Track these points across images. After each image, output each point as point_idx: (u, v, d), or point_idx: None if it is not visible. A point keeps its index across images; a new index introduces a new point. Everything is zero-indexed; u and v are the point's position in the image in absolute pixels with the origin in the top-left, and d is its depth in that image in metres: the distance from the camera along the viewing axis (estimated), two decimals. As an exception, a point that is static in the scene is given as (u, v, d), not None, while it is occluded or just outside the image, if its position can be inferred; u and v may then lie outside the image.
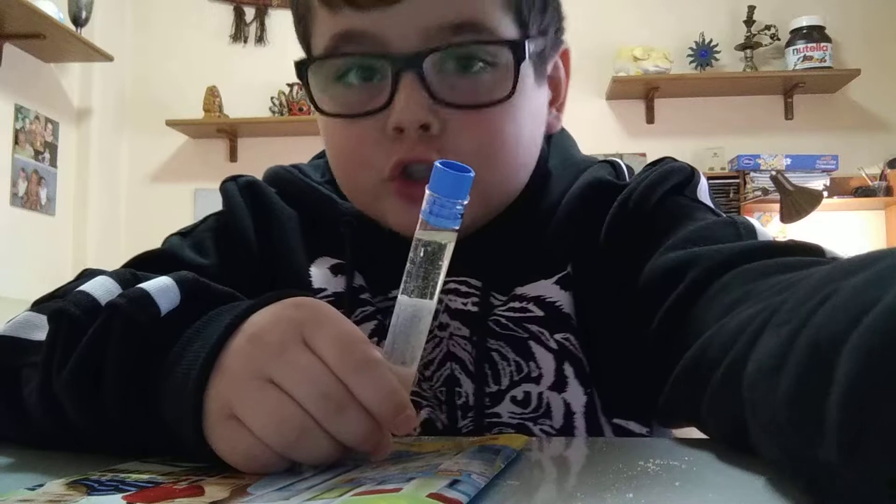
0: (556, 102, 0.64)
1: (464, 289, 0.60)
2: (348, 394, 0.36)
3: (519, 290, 0.60)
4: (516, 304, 0.60)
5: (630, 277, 0.57)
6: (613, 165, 0.65)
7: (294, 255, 0.65)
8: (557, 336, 0.59)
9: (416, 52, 0.52)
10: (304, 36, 0.61)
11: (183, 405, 0.39)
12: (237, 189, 0.67)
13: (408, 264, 0.41)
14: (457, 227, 0.41)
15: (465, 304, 0.60)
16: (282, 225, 0.66)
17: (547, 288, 0.60)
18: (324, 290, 0.63)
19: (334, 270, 0.63)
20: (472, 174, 0.41)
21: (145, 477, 0.37)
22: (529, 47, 0.56)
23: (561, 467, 0.44)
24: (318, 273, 0.64)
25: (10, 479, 0.41)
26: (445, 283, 0.51)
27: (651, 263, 0.55)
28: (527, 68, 0.56)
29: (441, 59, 0.53)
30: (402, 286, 0.41)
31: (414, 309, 0.41)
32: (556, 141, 0.68)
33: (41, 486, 0.35)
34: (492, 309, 0.60)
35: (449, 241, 0.41)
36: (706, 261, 0.50)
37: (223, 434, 0.38)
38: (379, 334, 0.60)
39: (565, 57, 0.64)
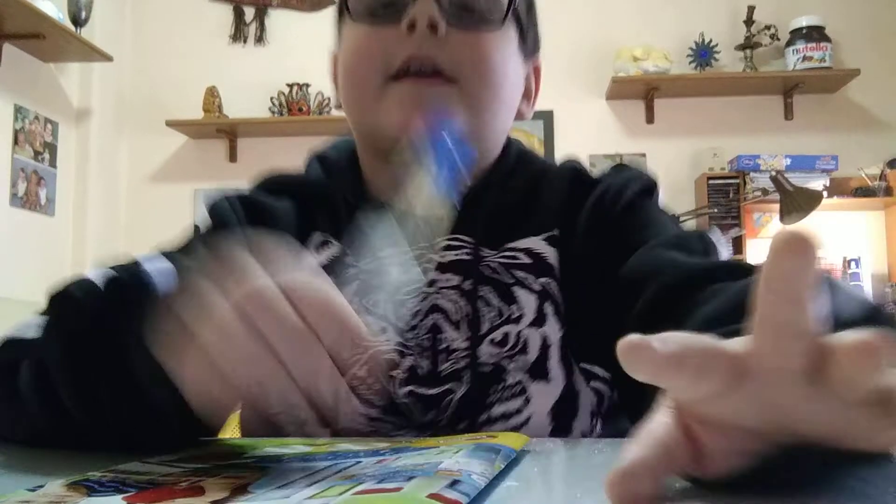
0: (528, 100, 0.75)
1: (456, 243, 0.67)
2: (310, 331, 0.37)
3: (510, 245, 0.68)
4: (507, 254, 0.67)
5: (611, 260, 0.63)
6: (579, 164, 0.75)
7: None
8: (541, 280, 0.66)
9: None
10: None
11: (149, 323, 0.39)
12: (227, 205, 0.71)
13: None
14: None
15: (457, 255, 0.67)
16: (277, 222, 0.68)
17: (535, 242, 0.68)
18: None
19: (319, 247, 0.69)
20: None
21: (145, 478, 0.37)
22: (518, 3, 0.67)
23: (560, 468, 0.44)
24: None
25: (10, 479, 0.41)
26: (438, 242, 0.66)
27: (640, 255, 0.61)
28: (512, 33, 0.68)
29: None
30: None
31: None
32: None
33: (41, 486, 0.35)
34: (483, 258, 0.67)
35: None
36: (688, 271, 0.56)
37: (184, 361, 0.38)
38: (361, 294, 0.64)
39: (537, 72, 0.76)
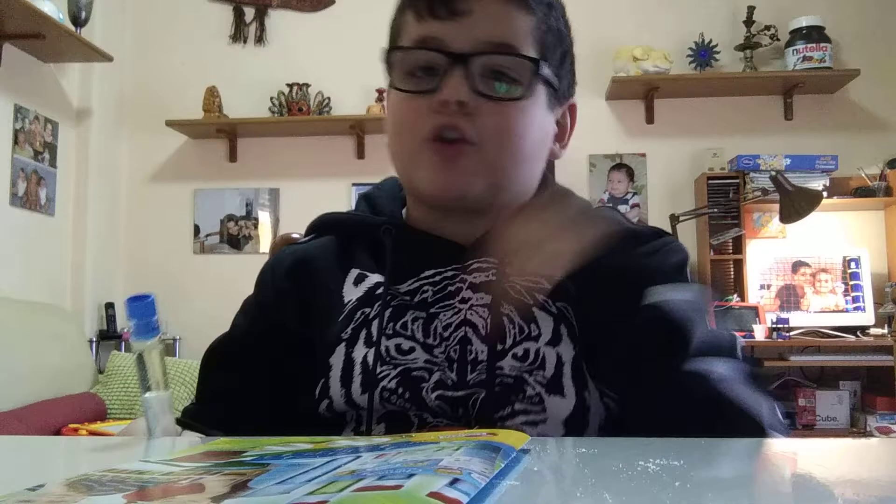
0: (561, 141, 0.81)
1: (485, 266, 0.74)
2: None
3: (533, 269, 0.74)
4: (531, 278, 0.72)
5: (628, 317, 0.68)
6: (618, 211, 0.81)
7: (331, 283, 0.78)
8: (559, 304, 0.72)
9: (465, 54, 0.70)
10: (395, 32, 0.78)
11: None
12: (268, 269, 0.83)
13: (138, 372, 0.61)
14: (157, 336, 0.60)
15: (486, 276, 0.74)
16: (316, 264, 0.80)
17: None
18: (350, 299, 0.77)
19: (356, 281, 0.78)
20: (153, 297, 0.60)
21: (145, 477, 0.37)
22: (544, 69, 0.73)
23: (561, 467, 0.44)
24: (347, 289, 0.78)
25: (10, 479, 0.41)
26: (470, 264, 0.74)
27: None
28: (540, 89, 0.73)
29: (482, 63, 0.71)
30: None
31: (145, 401, 0.61)
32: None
33: (41, 486, 0.35)
34: (509, 278, 0.73)
35: (155, 347, 0.61)
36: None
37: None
38: (394, 318, 0.73)
39: (573, 110, 0.81)
